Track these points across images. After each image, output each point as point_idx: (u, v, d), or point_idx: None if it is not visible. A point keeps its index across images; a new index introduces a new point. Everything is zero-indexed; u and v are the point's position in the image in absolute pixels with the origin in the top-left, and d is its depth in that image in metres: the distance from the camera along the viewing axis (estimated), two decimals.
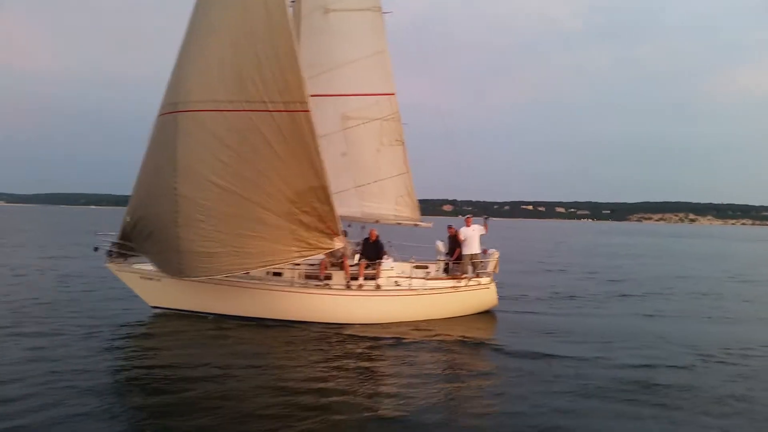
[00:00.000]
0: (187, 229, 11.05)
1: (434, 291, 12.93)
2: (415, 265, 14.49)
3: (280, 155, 10.98)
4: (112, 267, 12.92)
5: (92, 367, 8.74)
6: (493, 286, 13.57)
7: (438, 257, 14.18)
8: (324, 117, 12.70)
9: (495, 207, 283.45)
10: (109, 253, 12.84)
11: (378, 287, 12.57)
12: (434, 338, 11.48)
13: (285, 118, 10.85)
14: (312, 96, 12.61)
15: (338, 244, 11.98)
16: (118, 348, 10.21)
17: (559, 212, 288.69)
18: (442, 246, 14.20)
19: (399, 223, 13.73)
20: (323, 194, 11.48)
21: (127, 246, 12.53)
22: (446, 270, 13.90)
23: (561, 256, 36.59)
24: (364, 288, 12.49)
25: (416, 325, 12.31)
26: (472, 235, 13.72)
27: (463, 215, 14.60)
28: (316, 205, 11.46)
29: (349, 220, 13.56)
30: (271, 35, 10.64)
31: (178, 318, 12.67)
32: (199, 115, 10.83)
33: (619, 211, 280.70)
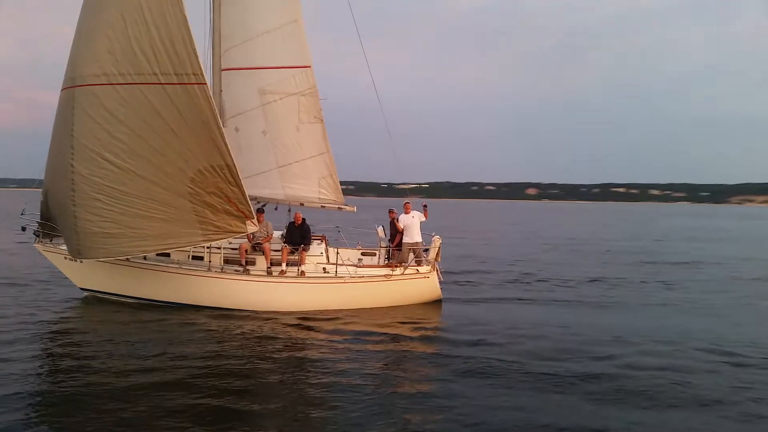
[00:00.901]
0: (84, 208, 10.54)
1: (364, 279, 11.95)
2: (362, 251, 13.64)
3: (176, 131, 10.27)
4: (39, 247, 12.71)
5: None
6: (433, 276, 12.42)
7: (381, 243, 13.19)
8: (242, 93, 11.96)
9: (582, 190, 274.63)
10: (36, 233, 12.63)
11: (302, 274, 11.74)
12: (347, 328, 10.61)
13: (178, 91, 10.13)
14: (227, 69, 11.94)
15: (251, 227, 11.20)
16: (39, 333, 9.88)
17: (653, 195, 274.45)
18: (381, 232, 13.19)
19: (323, 206, 12.77)
20: (229, 174, 10.70)
21: (48, 225, 12.26)
22: (389, 257, 12.90)
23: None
24: (286, 275, 11.69)
25: (340, 315, 11.43)
26: (412, 223, 12.70)
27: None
28: (221, 185, 10.71)
29: (274, 203, 12.77)
30: (161, 5, 9.91)
31: (100, 303, 12.34)
32: (93, 90, 10.24)
33: (719, 194, 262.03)
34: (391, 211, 13.15)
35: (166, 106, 10.14)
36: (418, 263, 12.59)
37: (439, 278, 13.14)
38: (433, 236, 12.92)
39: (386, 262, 12.79)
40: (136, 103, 10.14)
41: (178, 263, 11.92)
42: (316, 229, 13.57)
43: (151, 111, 10.15)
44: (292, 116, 11.94)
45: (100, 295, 12.52)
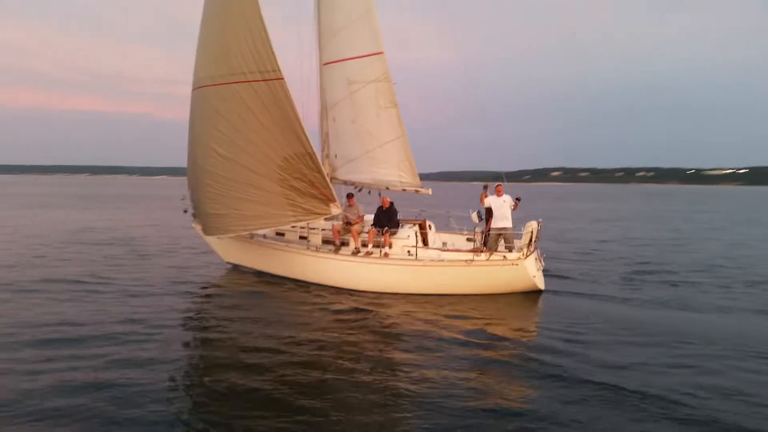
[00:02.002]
0: (203, 193, 12.59)
1: (444, 264, 11.77)
2: (468, 237, 13.49)
3: (264, 123, 11.56)
4: (196, 227, 15.44)
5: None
6: (524, 264, 11.56)
7: (476, 228, 12.79)
8: (335, 84, 12.76)
9: None
10: (193, 215, 15.37)
11: (385, 255, 12.12)
12: (408, 314, 10.55)
13: (263, 87, 11.37)
14: (326, 64, 12.87)
15: (335, 210, 12.02)
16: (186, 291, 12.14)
17: None
18: (476, 216, 12.72)
19: (404, 190, 12.79)
20: (310, 160, 11.67)
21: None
22: (485, 243, 12.45)
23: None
24: (372, 255, 12.21)
25: (420, 299, 11.48)
26: (501, 206, 12.01)
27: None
28: (305, 171, 11.73)
29: (366, 187, 13.30)
30: (243, 11, 11.25)
31: (234, 272, 14.51)
32: (204, 91, 12.11)
33: None
34: (483, 192, 12.61)
35: (254, 100, 11.48)
36: (508, 249, 11.89)
37: (538, 267, 12.24)
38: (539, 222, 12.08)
39: (477, 247, 12.38)
40: (232, 100, 11.69)
41: (287, 242, 13.39)
42: (427, 214, 13.90)
43: (243, 106, 11.61)
44: (372, 103, 12.38)
45: (238, 267, 14.73)
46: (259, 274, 13.87)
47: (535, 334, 9.39)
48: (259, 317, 10.05)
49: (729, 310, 10.87)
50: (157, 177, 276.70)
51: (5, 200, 50.01)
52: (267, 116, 11.51)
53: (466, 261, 11.69)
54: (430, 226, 13.60)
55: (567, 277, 13.88)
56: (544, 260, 13.08)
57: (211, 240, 14.86)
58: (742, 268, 15.71)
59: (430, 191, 13.02)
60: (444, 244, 13.28)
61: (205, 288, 12.66)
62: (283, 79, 11.26)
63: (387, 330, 9.43)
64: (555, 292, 12.23)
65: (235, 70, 11.52)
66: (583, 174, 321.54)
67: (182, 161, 13.67)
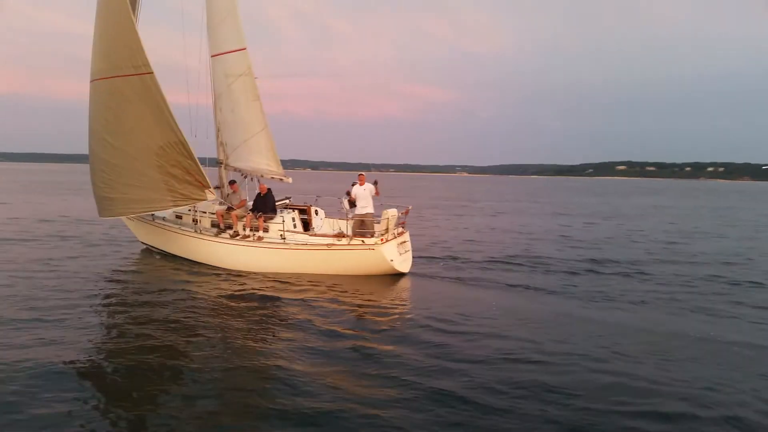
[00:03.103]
0: (97, 177, 13.61)
1: (308, 247, 12.59)
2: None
3: (139, 114, 12.46)
4: None
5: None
6: (381, 249, 12.31)
7: (347, 214, 13.53)
8: (217, 76, 13.52)
9: None
10: None
11: (258, 239, 12.99)
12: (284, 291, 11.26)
13: (136, 81, 12.26)
14: (213, 56, 13.66)
15: (209, 195, 12.93)
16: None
17: None
18: (346, 203, 13.46)
19: (272, 177, 13.59)
20: (183, 149, 12.56)
21: None
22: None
23: None
24: (247, 239, 13.09)
25: (288, 278, 12.30)
26: (363, 195, 12.81)
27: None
28: (179, 159, 12.63)
29: (248, 174, 14.12)
30: (116, 11, 12.10)
31: (145, 253, 15.58)
32: (95, 84, 13.04)
33: None
34: (355, 182, 13.33)
35: (130, 93, 12.38)
36: (370, 234, 12.63)
37: (402, 251, 12.96)
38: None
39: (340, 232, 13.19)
40: (114, 93, 12.61)
41: (181, 224, 14.37)
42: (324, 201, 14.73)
43: (122, 98, 12.52)
44: (243, 96, 13.15)
45: (148, 247, 15.80)
46: (163, 254, 14.90)
47: (369, 312, 9.96)
48: (128, 296, 10.88)
49: None
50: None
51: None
52: (142, 107, 12.40)
53: (327, 245, 12.49)
54: (316, 211, 14.41)
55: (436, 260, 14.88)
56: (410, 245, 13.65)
57: (127, 222, 15.97)
58: None
59: (290, 180, 13.84)
60: (336, 229, 14.01)
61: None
62: (152, 73, 12.12)
63: (235, 306, 10.12)
64: (422, 276, 12.99)
65: (114, 66, 12.42)
66: (650, 168, 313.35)
67: None
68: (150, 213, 14.24)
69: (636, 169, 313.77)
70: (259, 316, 9.46)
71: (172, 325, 8.74)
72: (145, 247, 15.93)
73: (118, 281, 12.07)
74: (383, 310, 10.00)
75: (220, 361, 7.25)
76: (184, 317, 9.22)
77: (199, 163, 12.64)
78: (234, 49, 12.97)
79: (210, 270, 13.17)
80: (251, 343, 8.06)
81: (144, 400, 6.11)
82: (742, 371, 7.28)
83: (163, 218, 14.83)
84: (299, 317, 9.35)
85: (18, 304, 9.53)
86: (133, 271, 13.34)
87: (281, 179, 13.84)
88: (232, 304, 10.29)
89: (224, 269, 13.12)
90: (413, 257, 13.51)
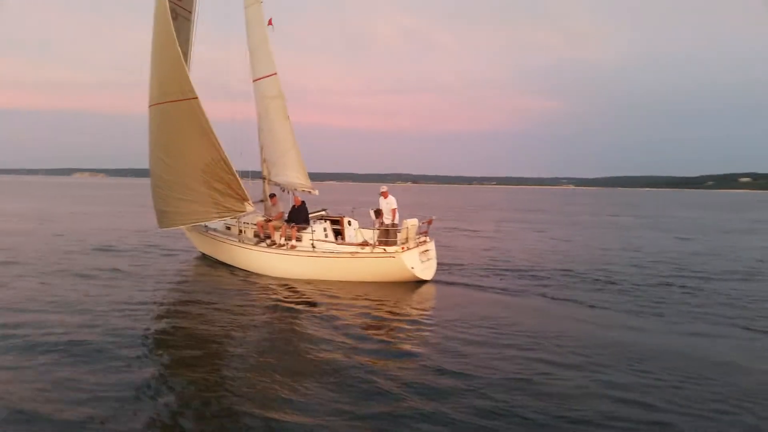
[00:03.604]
0: (154, 192, 15.33)
1: (334, 255, 13.50)
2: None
3: (187, 134, 13.98)
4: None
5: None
6: (401, 257, 13.00)
7: (375, 225, 14.33)
8: (258, 98, 14.89)
9: None
10: None
11: (291, 248, 14.09)
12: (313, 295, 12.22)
13: (183, 106, 13.78)
14: (254, 81, 15.10)
15: (249, 208, 14.21)
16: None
17: None
18: (373, 215, 14.27)
19: (304, 190, 14.60)
20: (225, 165, 13.93)
21: None
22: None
23: None
24: (282, 247, 14.24)
25: (316, 284, 13.25)
26: (386, 208, 13.65)
27: None
28: (222, 174, 14.01)
29: (285, 188, 15.29)
30: (165, 45, 13.71)
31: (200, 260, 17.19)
32: (152, 109, 14.75)
33: None
34: (382, 194, 14.21)
35: (180, 116, 13.92)
36: (388, 243, 13.35)
37: (425, 259, 13.59)
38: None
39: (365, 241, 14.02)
40: (166, 116, 14.24)
41: (228, 235, 15.80)
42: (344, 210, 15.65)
43: (172, 121, 14.12)
44: (277, 116, 14.38)
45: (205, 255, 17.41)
46: (216, 261, 16.42)
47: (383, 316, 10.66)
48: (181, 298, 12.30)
49: None
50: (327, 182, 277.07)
51: None
52: (189, 128, 13.92)
53: (351, 253, 13.36)
54: (349, 222, 15.33)
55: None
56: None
57: (186, 232, 17.70)
58: None
59: (317, 192, 14.87)
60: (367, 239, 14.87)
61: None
62: (197, 98, 13.59)
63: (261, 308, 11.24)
64: (447, 283, 13.56)
65: (165, 93, 14.05)
66: None
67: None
68: (203, 224, 15.82)
69: (762, 181, 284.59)
70: (279, 321, 10.42)
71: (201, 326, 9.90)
72: (201, 254, 17.56)
73: (170, 282, 13.60)
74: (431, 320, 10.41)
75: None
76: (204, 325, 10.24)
77: (239, 178, 13.97)
78: (268, 74, 14.31)
79: (251, 276, 14.41)
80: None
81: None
82: None
83: (215, 229, 16.36)
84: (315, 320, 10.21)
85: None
86: (182, 275, 14.87)
87: (310, 191, 14.95)
88: (251, 308, 11.22)
89: (264, 276, 14.31)
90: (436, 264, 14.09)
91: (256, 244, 14.71)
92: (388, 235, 13.57)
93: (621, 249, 21.56)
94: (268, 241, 14.53)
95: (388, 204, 13.71)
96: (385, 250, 13.18)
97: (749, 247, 23.67)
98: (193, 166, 14.19)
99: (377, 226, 14.05)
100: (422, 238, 13.99)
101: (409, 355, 8.28)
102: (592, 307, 11.47)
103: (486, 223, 36.21)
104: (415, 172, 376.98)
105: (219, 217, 14.55)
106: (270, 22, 14.76)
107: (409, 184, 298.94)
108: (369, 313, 10.73)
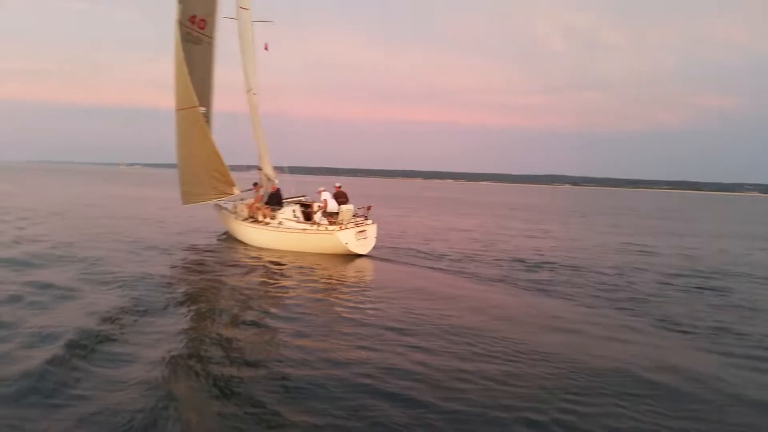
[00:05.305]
0: (181, 177, 19.97)
1: (290, 230, 17.14)
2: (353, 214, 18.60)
3: (195, 135, 18.37)
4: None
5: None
6: (336, 234, 16.30)
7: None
8: (250, 108, 18.87)
9: None
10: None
11: (265, 224, 17.96)
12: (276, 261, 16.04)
13: (188, 113, 18.14)
14: (247, 93, 19.16)
15: (235, 191, 18.32)
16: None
17: None
18: (325, 203, 17.69)
19: (274, 180, 18.44)
20: (218, 158, 18.14)
21: None
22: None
23: None
24: (258, 223, 18.16)
25: (279, 253, 17.03)
26: (327, 197, 17.15)
27: None
28: (217, 165, 18.24)
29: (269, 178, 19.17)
30: (179, 62, 18.06)
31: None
32: (175, 114, 19.36)
33: None
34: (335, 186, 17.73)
35: (188, 122, 18.33)
36: (332, 224, 16.70)
37: (360, 237, 16.77)
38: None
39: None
40: (181, 121, 18.74)
41: (232, 213, 20.08)
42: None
43: (185, 125, 18.58)
44: (256, 123, 18.29)
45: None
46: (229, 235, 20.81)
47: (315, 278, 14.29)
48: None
49: None
50: (482, 183, 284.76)
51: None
52: (195, 131, 18.30)
53: (302, 230, 16.93)
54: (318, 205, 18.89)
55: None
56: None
57: (215, 211, 22.35)
58: None
59: (277, 181, 18.59)
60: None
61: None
62: (197, 107, 17.86)
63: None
64: (375, 258, 16.62)
65: (179, 101, 18.53)
66: None
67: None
68: (221, 205, 20.34)
69: None
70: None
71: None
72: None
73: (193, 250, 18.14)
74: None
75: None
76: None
77: (227, 168, 18.12)
78: (249, 90, 18.27)
79: (243, 245, 18.51)
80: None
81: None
82: None
83: (227, 208, 20.75)
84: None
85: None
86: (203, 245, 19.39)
87: (273, 181, 18.79)
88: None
89: (249, 246, 18.33)
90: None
91: (244, 220, 18.78)
92: (331, 217, 16.95)
93: None
94: (250, 219, 18.53)
95: (327, 195, 17.19)
96: (326, 228, 16.56)
97: None
98: (201, 158, 18.56)
99: (323, 211, 17.46)
100: (359, 220, 17.14)
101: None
102: None
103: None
104: (574, 174, 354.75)
105: (216, 198, 18.86)
106: (266, 47, 18.65)
107: (566, 186, 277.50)
108: (301, 276, 14.05)
